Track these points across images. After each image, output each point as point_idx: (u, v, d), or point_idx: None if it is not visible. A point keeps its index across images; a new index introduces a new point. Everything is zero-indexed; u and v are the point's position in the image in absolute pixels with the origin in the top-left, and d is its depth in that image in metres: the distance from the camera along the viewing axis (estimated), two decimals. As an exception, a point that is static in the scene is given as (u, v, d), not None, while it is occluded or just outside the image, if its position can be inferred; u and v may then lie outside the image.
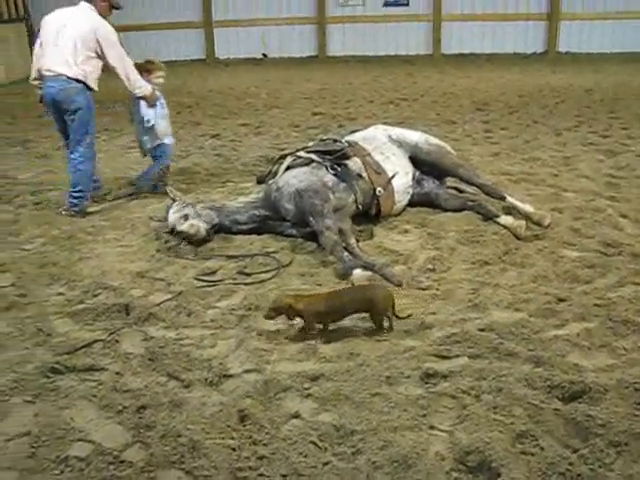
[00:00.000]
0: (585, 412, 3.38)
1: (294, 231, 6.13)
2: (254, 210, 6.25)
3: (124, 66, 6.96)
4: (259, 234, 6.23)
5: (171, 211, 6.17)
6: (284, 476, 3.09)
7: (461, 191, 6.88)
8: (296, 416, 3.52)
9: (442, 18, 19.69)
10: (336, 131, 9.52)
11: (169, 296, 5.03)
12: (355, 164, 6.36)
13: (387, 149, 6.66)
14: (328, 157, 6.32)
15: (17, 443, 3.39)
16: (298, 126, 11.26)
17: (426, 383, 3.78)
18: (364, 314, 4.46)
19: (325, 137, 7.12)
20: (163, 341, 4.36)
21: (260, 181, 6.78)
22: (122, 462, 3.22)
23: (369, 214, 6.36)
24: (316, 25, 20.35)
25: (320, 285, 5.13)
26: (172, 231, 6.07)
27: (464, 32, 19.77)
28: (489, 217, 6.19)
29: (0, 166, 9.38)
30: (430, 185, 6.74)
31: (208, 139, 10.59)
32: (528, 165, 8.37)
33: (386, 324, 4.41)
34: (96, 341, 4.37)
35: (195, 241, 5.97)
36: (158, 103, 7.56)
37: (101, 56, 6.90)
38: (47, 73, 6.92)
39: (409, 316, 4.53)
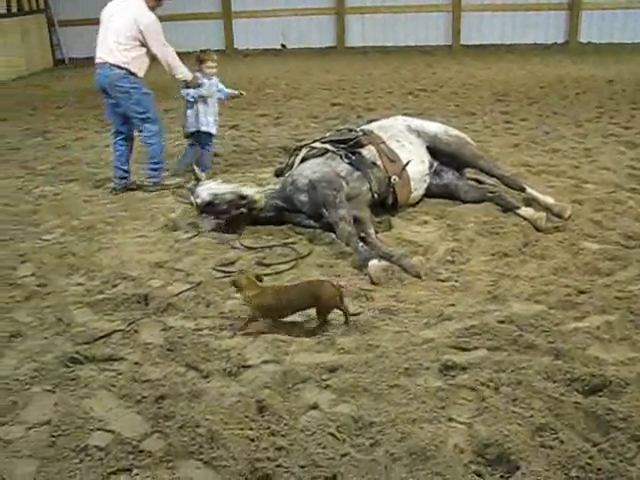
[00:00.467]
0: (606, 405, 3.36)
1: (312, 222, 6.12)
2: (272, 200, 6.25)
3: (164, 53, 7.33)
4: (277, 224, 6.23)
5: (210, 185, 6.23)
6: (302, 467, 3.09)
7: (481, 182, 6.84)
8: (314, 407, 3.52)
9: (462, 8, 19.51)
10: (354, 122, 9.48)
11: (188, 286, 5.04)
12: (369, 152, 6.34)
13: (403, 137, 6.62)
14: (342, 146, 6.31)
15: (37, 432, 3.42)
16: (317, 117, 11.23)
17: (445, 375, 3.77)
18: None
19: (341, 127, 7.10)
20: (182, 331, 4.37)
21: (278, 174, 6.78)
22: (141, 452, 3.24)
23: (386, 204, 6.33)
24: (335, 15, 20.26)
25: (339, 276, 5.11)
26: (208, 204, 6.08)
27: (484, 23, 19.60)
28: (509, 209, 6.14)
29: (20, 157, 9.46)
30: (449, 176, 6.70)
31: (227, 130, 10.58)
32: (548, 156, 8.29)
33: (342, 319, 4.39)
34: (115, 331, 4.40)
35: (254, 210, 6.16)
36: (204, 89, 7.84)
37: (144, 44, 7.25)
38: (97, 61, 7.48)
39: (358, 314, 4.48)
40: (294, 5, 20.19)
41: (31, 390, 3.78)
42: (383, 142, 6.47)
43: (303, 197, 6.07)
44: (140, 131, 7.62)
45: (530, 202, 6.31)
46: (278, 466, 3.10)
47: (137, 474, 3.10)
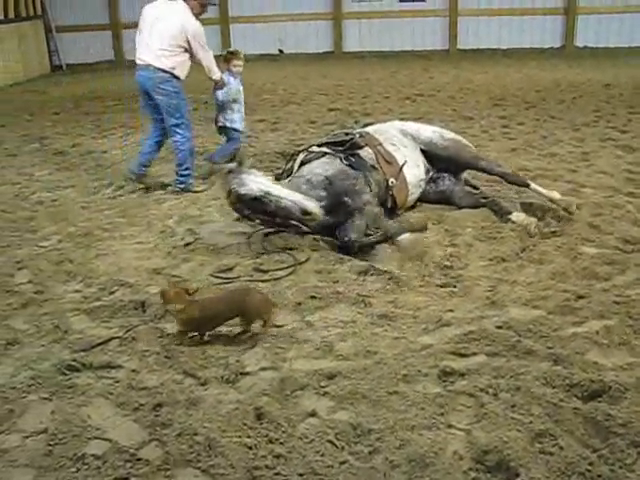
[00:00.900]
0: (605, 411, 3.34)
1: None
2: None
3: (207, 58, 7.66)
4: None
5: (262, 180, 5.86)
6: (301, 475, 3.08)
7: (476, 188, 6.84)
8: (313, 414, 3.51)
9: (458, 13, 19.56)
10: (350, 126, 9.49)
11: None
12: (367, 154, 6.32)
13: (398, 141, 6.62)
14: (340, 148, 6.27)
15: (34, 440, 3.40)
16: (314, 122, 11.23)
17: (444, 381, 3.76)
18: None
19: (337, 131, 7.09)
20: (179, 338, 4.35)
21: (277, 179, 6.76)
22: (138, 460, 3.22)
23: (385, 207, 6.29)
24: (332, 21, 20.30)
25: (337, 282, 5.10)
26: (254, 200, 5.69)
27: (481, 27, 19.64)
28: (502, 214, 6.14)
29: (17, 163, 9.44)
30: (446, 183, 6.70)
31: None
32: (546, 161, 8.30)
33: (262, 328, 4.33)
34: (113, 338, 4.38)
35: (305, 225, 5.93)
36: (227, 88, 8.21)
37: (189, 51, 7.48)
38: (139, 62, 7.56)
39: (282, 326, 4.43)
40: (291, 10, 20.22)
41: (28, 398, 3.76)
42: (380, 144, 6.46)
43: (322, 192, 5.93)
44: (172, 136, 7.74)
45: (526, 207, 6.32)
46: (276, 474, 3.08)
47: (135, 483, 3.09)
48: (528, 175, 7.58)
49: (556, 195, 6.23)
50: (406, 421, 3.40)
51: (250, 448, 3.25)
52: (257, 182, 5.71)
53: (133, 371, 4.01)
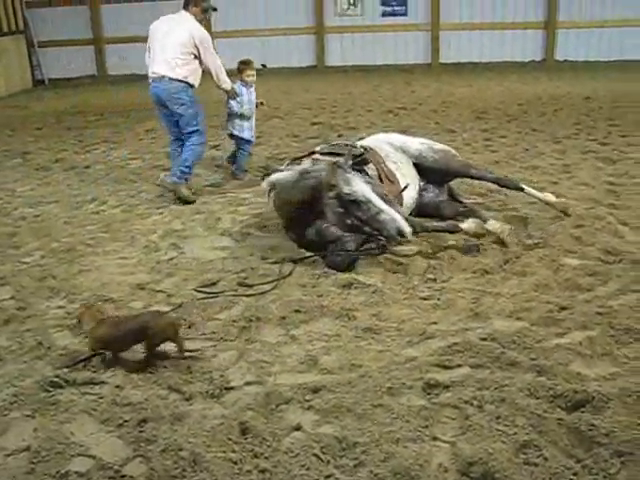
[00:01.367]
0: (589, 421, 3.37)
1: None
2: None
3: (215, 65, 7.93)
4: None
5: (360, 181, 5.80)
6: (286, 489, 3.07)
7: (456, 199, 6.84)
8: (298, 428, 3.51)
9: (440, 27, 19.69)
10: (334, 140, 9.51)
11: (169, 308, 5.01)
12: (372, 171, 6.26)
13: (397, 159, 6.57)
14: (350, 162, 6.12)
15: (16, 458, 3.38)
16: (297, 136, 11.25)
17: (428, 394, 3.77)
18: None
19: (335, 142, 7.02)
20: (164, 353, 4.33)
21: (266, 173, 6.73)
22: (123, 477, 3.21)
23: None
24: (315, 35, 20.39)
25: (321, 296, 5.11)
26: (352, 202, 5.65)
27: (462, 41, 19.77)
28: None
29: (-1, 178, 9.38)
30: (429, 195, 6.70)
31: (208, 149, 10.54)
32: (528, 173, 8.34)
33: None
34: (96, 354, 4.35)
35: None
36: (240, 99, 8.53)
37: (198, 58, 7.77)
38: (152, 75, 7.87)
39: (197, 351, 4.35)
40: (274, 25, 20.28)
41: (10, 416, 3.73)
42: (384, 162, 6.43)
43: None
44: (187, 140, 7.95)
45: (509, 219, 6.37)
46: (262, 489, 3.08)
47: (119, 500, 3.07)
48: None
49: (551, 198, 6.27)
50: (391, 434, 3.40)
51: (235, 463, 3.24)
52: (362, 187, 5.70)
53: (117, 387, 3.98)
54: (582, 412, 3.49)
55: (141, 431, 3.54)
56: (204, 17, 8.11)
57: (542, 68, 18.71)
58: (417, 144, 6.81)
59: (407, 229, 5.52)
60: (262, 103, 9.08)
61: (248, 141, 8.86)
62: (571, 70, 18.01)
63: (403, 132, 9.56)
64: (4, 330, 4.80)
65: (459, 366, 4.03)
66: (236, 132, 8.73)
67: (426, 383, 3.83)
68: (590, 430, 3.31)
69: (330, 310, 4.85)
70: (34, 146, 11.47)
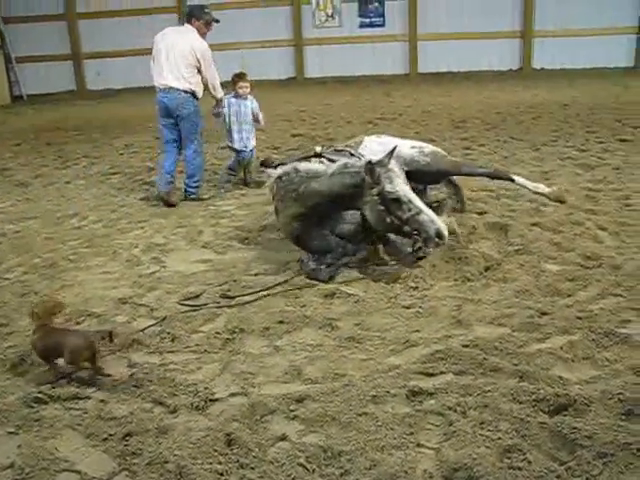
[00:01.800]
0: (571, 424, 3.40)
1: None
2: None
3: (213, 77, 8.36)
4: None
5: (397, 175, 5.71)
6: (272, 499, 3.07)
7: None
8: (283, 438, 3.51)
9: (418, 38, 19.88)
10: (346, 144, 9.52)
11: (153, 322, 5.01)
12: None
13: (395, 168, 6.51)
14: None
15: (0, 476, 3.35)
16: (278, 148, 11.30)
17: (412, 401, 3.78)
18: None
19: (340, 148, 6.96)
20: (148, 367, 4.33)
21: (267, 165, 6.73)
22: (108, 491, 3.19)
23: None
24: (294, 47, 20.48)
25: (304, 306, 5.13)
26: (394, 201, 5.53)
27: (440, 51, 19.95)
28: None
29: (-21, 196, 9.34)
30: None
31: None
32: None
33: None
34: (80, 369, 4.33)
35: None
36: (226, 110, 8.82)
37: (199, 70, 8.15)
38: (159, 85, 8.21)
39: (108, 375, 4.18)
40: (253, 38, 20.34)
41: (-6, 433, 3.72)
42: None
43: None
44: (186, 150, 8.43)
45: (489, 226, 6.42)
46: (248, 499, 3.08)
47: (105, 514, 3.06)
48: (491, 195, 7.70)
49: (544, 189, 6.30)
50: (376, 442, 3.41)
51: (221, 474, 3.24)
52: (403, 186, 5.64)
53: (102, 401, 3.97)
54: (564, 415, 3.52)
55: (126, 445, 3.53)
56: (207, 30, 8.34)
57: (520, 77, 18.92)
58: (408, 148, 6.70)
59: (445, 232, 5.51)
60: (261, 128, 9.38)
61: (240, 151, 8.97)
62: (548, 78, 18.22)
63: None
64: (-14, 347, 4.78)
65: (442, 373, 4.05)
66: (229, 143, 9.00)
67: (410, 390, 3.85)
68: (572, 433, 3.34)
69: (313, 320, 4.86)
70: (13, 162, 11.44)
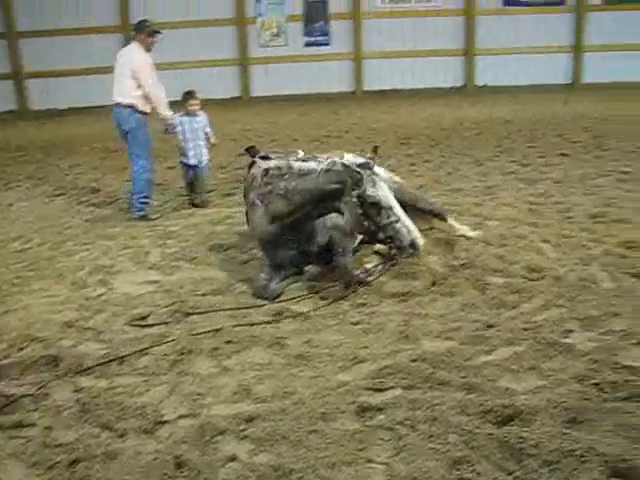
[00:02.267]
0: (518, 434, 3.46)
1: None
2: None
3: (154, 93, 8.32)
4: None
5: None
6: (223, 521, 3.05)
7: None
8: (233, 459, 3.50)
9: (362, 56, 20.09)
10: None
11: (99, 346, 4.93)
12: None
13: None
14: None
15: (-59, 509, 3.27)
16: (224, 167, 11.27)
17: (362, 417, 3.80)
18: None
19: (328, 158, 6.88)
20: (95, 391, 4.26)
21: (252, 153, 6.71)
22: (55, 519, 3.13)
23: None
24: (239, 66, 20.49)
25: (252, 325, 5.11)
26: (374, 205, 5.49)
27: (385, 69, 20.18)
28: None
29: None
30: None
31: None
32: (452, 196, 8.54)
33: None
34: (24, 396, 4.24)
35: None
36: (178, 128, 8.82)
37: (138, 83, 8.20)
38: (112, 102, 8.43)
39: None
40: (197, 57, 20.26)
41: None
42: None
43: None
44: (133, 165, 8.48)
45: (435, 242, 6.49)
46: (198, 522, 3.05)
47: (51, 543, 3.00)
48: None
49: (468, 232, 6.56)
50: (326, 459, 3.42)
51: (171, 498, 3.21)
52: (386, 192, 5.58)
53: (47, 428, 3.90)
54: (511, 426, 3.59)
55: (73, 472, 3.47)
56: (152, 41, 8.40)
57: (463, 94, 19.27)
58: (383, 171, 6.68)
59: (420, 242, 5.53)
60: (213, 145, 9.31)
61: (192, 166, 9.03)
62: (491, 95, 18.58)
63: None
64: None
65: (391, 388, 4.09)
66: (183, 159, 9.04)
67: (359, 407, 3.87)
68: (519, 442, 3.40)
69: (261, 339, 4.86)
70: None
